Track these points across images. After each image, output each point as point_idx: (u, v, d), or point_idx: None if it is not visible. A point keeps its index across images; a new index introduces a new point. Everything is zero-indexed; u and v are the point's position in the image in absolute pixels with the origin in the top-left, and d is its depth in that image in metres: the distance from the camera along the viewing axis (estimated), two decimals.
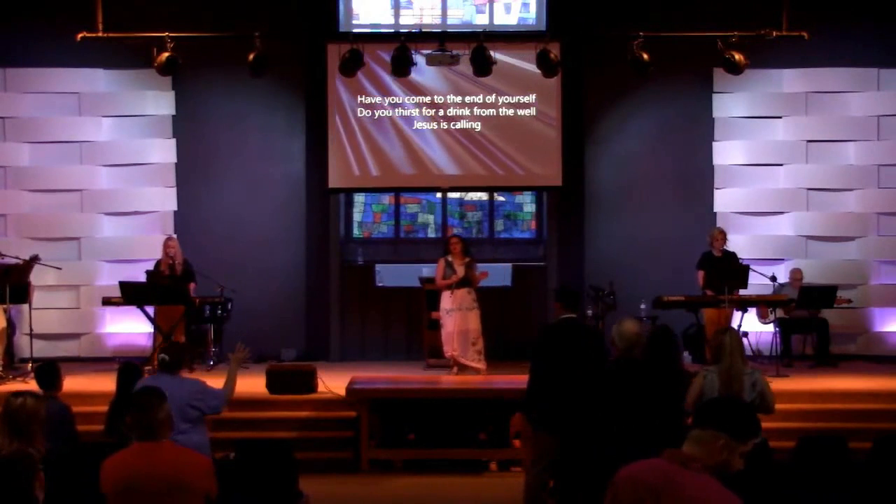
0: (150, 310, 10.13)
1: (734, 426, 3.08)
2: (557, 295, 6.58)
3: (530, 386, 6.24)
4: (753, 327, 10.71)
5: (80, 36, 10.06)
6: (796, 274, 11.00)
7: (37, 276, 10.46)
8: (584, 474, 4.71)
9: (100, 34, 10.01)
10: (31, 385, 7.60)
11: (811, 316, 10.77)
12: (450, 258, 9.98)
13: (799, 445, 5.46)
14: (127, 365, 6.64)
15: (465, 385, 9.10)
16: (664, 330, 6.06)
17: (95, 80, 11.59)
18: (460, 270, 9.89)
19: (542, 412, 6.09)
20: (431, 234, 12.39)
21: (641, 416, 4.63)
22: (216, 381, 6.93)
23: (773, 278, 10.54)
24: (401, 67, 10.14)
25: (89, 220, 11.61)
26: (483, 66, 10.06)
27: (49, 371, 6.25)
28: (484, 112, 11.54)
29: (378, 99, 11.51)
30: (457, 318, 9.83)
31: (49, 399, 5.88)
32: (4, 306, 9.74)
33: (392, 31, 11.74)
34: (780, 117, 11.67)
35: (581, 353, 6.05)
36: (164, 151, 11.64)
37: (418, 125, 11.54)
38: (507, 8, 12.13)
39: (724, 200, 11.70)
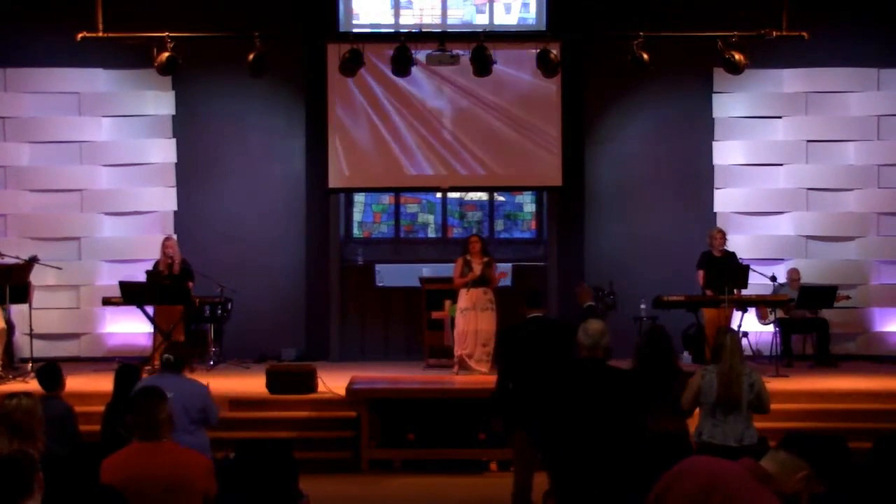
0: (150, 310, 10.13)
1: (825, 465, 3.02)
2: (524, 297, 6.66)
3: (497, 386, 6.28)
4: (753, 327, 10.71)
5: (80, 36, 10.06)
6: (793, 274, 11.00)
7: (37, 276, 10.46)
8: (573, 474, 4.70)
9: (100, 34, 10.01)
10: (31, 385, 7.61)
11: (811, 316, 10.78)
12: (468, 257, 9.95)
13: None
14: (125, 367, 6.63)
15: (465, 385, 9.09)
16: (659, 330, 6.08)
17: (95, 80, 11.58)
18: (477, 269, 9.86)
19: (513, 411, 6.14)
20: (431, 234, 12.39)
21: (600, 417, 4.62)
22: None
23: (773, 278, 10.54)
24: (401, 67, 10.14)
25: (89, 220, 11.61)
26: (483, 65, 10.06)
27: (50, 372, 6.24)
28: (484, 112, 11.53)
29: (378, 99, 11.50)
30: (471, 317, 9.80)
31: (52, 399, 5.89)
32: (4, 306, 9.74)
33: (392, 31, 11.74)
34: (780, 117, 11.67)
35: (548, 349, 6.09)
36: (164, 151, 11.64)
37: (418, 125, 11.54)
38: (507, 8, 12.13)
39: (724, 200, 11.69)
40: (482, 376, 9.64)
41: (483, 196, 12.38)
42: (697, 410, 5.90)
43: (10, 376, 9.43)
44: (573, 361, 5.15)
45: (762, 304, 10.46)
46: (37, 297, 10.56)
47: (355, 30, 11.77)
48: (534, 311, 6.41)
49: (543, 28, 11.73)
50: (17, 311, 10.41)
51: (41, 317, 10.75)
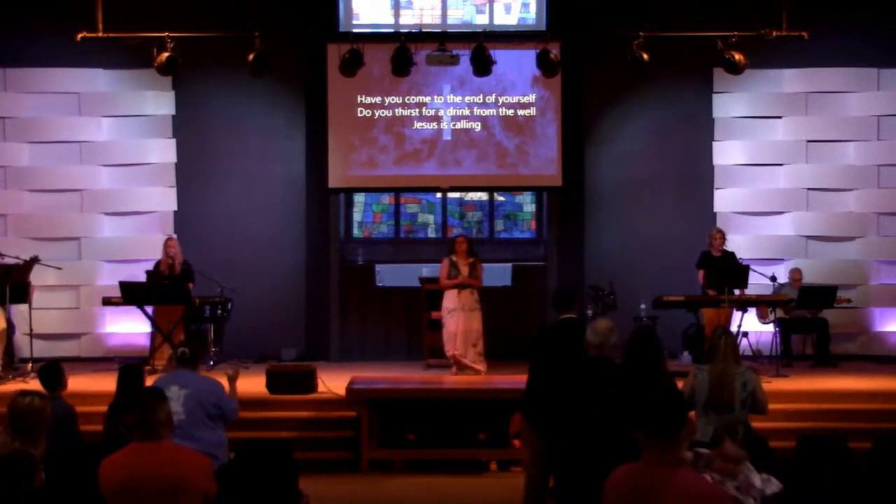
0: (150, 310, 10.13)
1: (647, 423, 3.28)
2: (552, 298, 6.64)
3: (528, 386, 6.26)
4: (753, 327, 10.71)
5: (80, 36, 10.05)
6: (795, 274, 11.01)
7: (37, 276, 10.46)
8: (580, 474, 4.70)
9: (100, 34, 9.99)
10: (31, 385, 7.61)
11: (811, 316, 10.78)
12: (454, 258, 9.97)
13: (799, 445, 5.44)
14: (127, 367, 6.63)
15: (465, 385, 9.11)
16: (646, 331, 6.08)
17: (95, 80, 11.58)
18: (465, 270, 9.88)
19: (539, 413, 6.11)
20: (431, 234, 12.39)
21: (611, 416, 4.62)
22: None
23: (773, 278, 10.54)
24: (401, 67, 10.14)
25: (89, 220, 11.61)
26: (483, 66, 10.06)
27: (53, 371, 6.23)
28: (484, 112, 11.53)
29: (378, 99, 11.51)
30: (459, 317, 9.82)
31: (53, 399, 5.88)
32: (4, 306, 9.73)
33: (392, 31, 11.74)
34: (780, 117, 11.67)
35: (577, 353, 6.06)
36: (164, 151, 11.64)
37: (418, 125, 11.54)
38: (507, 8, 12.13)
39: (724, 200, 11.70)
40: (482, 377, 9.67)
41: (483, 196, 12.37)
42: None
43: (10, 376, 9.44)
44: (582, 360, 5.15)
45: (762, 304, 10.46)
46: (37, 297, 10.56)
47: (355, 30, 11.77)
48: (566, 314, 6.35)
49: (543, 28, 11.72)
50: (17, 311, 10.42)
51: (41, 317, 10.76)
